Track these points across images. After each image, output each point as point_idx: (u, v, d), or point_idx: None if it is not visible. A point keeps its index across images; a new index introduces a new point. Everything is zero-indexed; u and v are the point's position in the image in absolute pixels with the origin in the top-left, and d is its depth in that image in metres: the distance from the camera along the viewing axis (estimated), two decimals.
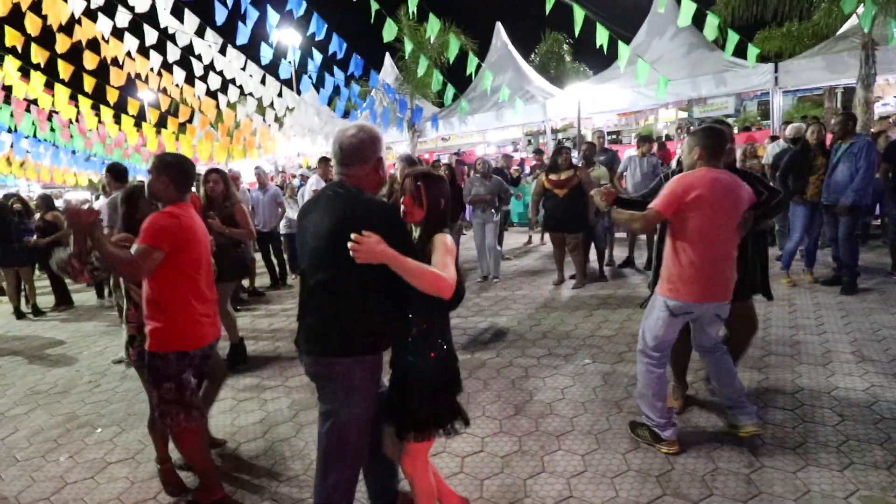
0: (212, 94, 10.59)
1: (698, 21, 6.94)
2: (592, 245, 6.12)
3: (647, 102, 10.70)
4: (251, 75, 9.87)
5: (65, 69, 8.79)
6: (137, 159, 14.31)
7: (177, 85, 9.83)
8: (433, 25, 8.30)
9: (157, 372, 2.29)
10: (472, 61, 9.27)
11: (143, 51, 8.85)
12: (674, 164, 7.61)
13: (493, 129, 14.14)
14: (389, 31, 8.34)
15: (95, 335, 5.68)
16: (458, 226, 6.52)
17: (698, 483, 2.35)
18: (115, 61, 9.01)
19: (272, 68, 9.91)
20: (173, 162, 2.40)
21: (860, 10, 6.98)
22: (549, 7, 6.71)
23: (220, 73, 9.65)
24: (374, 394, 1.80)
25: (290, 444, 2.99)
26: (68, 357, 5.01)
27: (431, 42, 11.51)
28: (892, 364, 3.36)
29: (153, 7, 7.75)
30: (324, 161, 6.89)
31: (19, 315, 6.82)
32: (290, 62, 9.79)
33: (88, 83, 9.48)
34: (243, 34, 8.38)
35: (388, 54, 15.43)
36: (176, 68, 9.56)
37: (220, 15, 8.06)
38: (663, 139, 10.59)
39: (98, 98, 10.30)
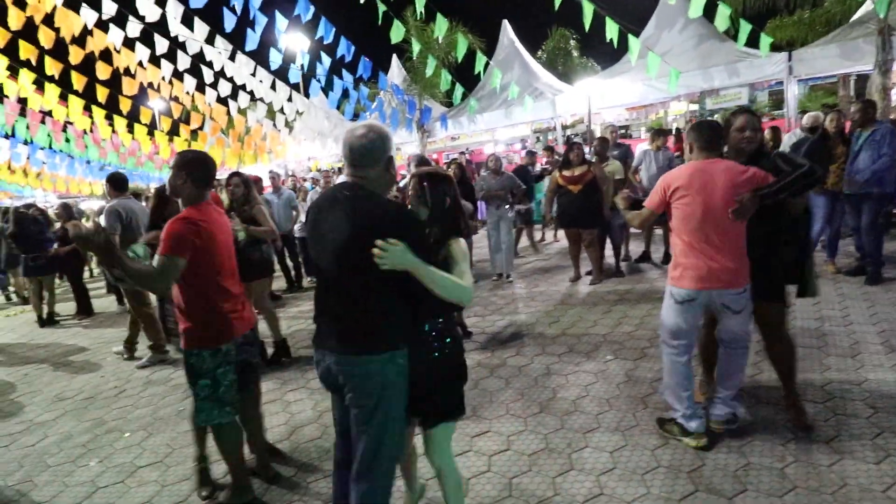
0: (222, 101, 10.71)
1: (709, 12, 6.87)
2: (608, 241, 6.09)
3: (658, 95, 10.61)
4: (261, 81, 9.95)
5: (78, 80, 8.94)
6: (150, 167, 14.49)
7: (188, 93, 9.94)
8: (441, 25, 8.30)
9: (192, 369, 2.33)
10: (481, 60, 9.25)
11: (155, 60, 8.96)
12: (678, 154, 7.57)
13: (502, 128, 14.11)
14: (397, 33, 8.35)
15: (117, 341, 5.73)
16: (473, 226, 6.51)
17: (731, 478, 2.32)
18: (126, 71, 9.14)
19: (281, 73, 10.00)
20: (193, 159, 2.39)
21: None
22: (557, 3, 6.68)
23: (231, 80, 9.74)
24: (406, 389, 1.81)
25: (317, 445, 3.00)
26: (92, 364, 5.08)
27: (439, 42, 11.51)
28: None
29: (163, 16, 7.83)
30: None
31: (43, 323, 6.94)
32: (299, 67, 9.82)
33: (101, 93, 9.62)
34: (252, 40, 8.45)
35: (395, 56, 15.46)
36: (187, 76, 9.67)
37: (230, 22, 8.13)
38: (680, 130, 10.46)
39: (111, 108, 10.45)
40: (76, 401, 4.15)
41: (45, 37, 7.72)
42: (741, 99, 10.04)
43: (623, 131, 13.14)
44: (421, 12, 7.82)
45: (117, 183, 4.88)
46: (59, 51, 8.18)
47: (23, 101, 10.20)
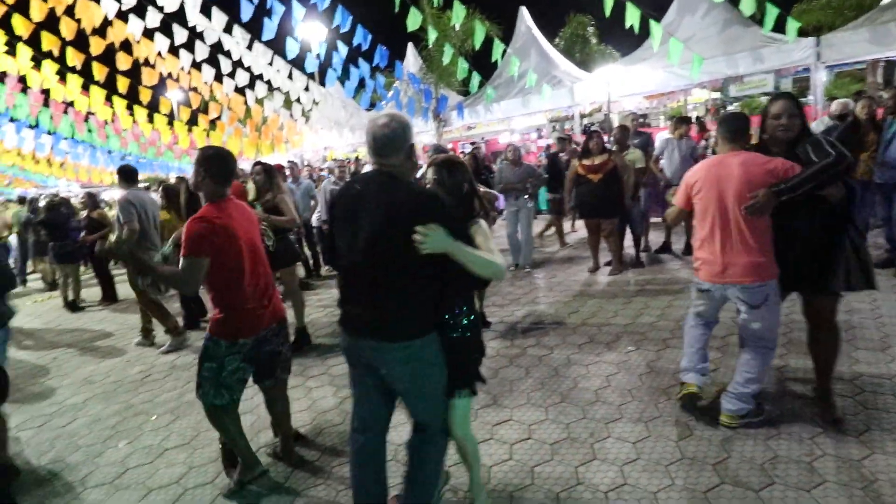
0: (240, 91, 10.76)
1: None
2: (627, 231, 6.00)
3: (679, 83, 10.38)
4: (278, 70, 9.97)
5: (99, 71, 9.05)
6: (170, 157, 14.68)
7: (206, 83, 10.01)
8: (458, 12, 8.21)
9: (206, 351, 2.41)
10: (498, 48, 9.13)
11: (173, 50, 9.03)
12: (702, 143, 7.41)
13: (518, 116, 13.97)
14: (414, 20, 8.29)
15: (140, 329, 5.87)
16: (493, 217, 6.47)
17: (757, 471, 2.29)
18: (146, 61, 9.23)
19: (298, 62, 10.00)
20: (210, 155, 2.42)
21: None
22: None
23: (248, 69, 9.78)
24: (444, 362, 1.89)
25: (339, 431, 3.04)
26: (117, 349, 5.20)
27: (456, 29, 11.39)
28: None
29: (182, 7, 7.87)
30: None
31: (72, 308, 7.14)
32: (316, 56, 9.81)
33: (122, 84, 9.74)
34: (269, 29, 8.46)
35: (410, 44, 15.36)
36: (205, 66, 9.74)
37: (247, 11, 8.14)
38: (701, 119, 10.23)
39: (132, 98, 10.58)
40: (104, 384, 4.26)
41: (67, 28, 7.82)
42: (766, 86, 9.80)
43: (641, 120, 12.92)
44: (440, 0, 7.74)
45: (127, 174, 4.94)
46: (81, 42, 8.29)
47: (46, 92, 10.38)
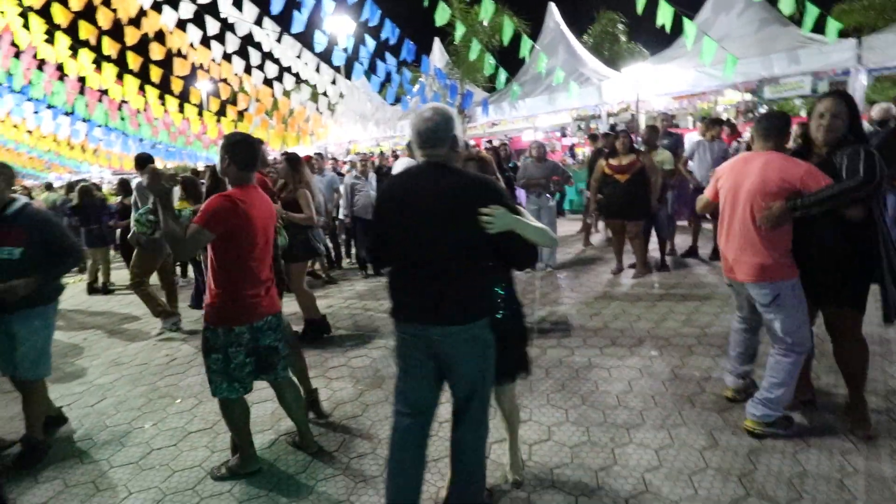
0: (268, 83, 10.90)
1: None
2: (653, 233, 5.89)
3: (711, 83, 10.09)
4: (306, 63, 10.06)
5: (134, 61, 9.27)
6: (198, 146, 14.96)
7: (236, 74, 10.17)
8: (487, 8, 8.15)
9: (206, 343, 2.44)
10: (526, 44, 9.04)
11: (205, 41, 9.18)
12: (733, 145, 7.20)
13: (543, 114, 13.80)
14: (442, 15, 8.26)
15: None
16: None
17: (785, 485, 2.23)
18: (178, 52, 9.41)
19: (325, 56, 10.07)
20: (235, 141, 2.43)
21: None
22: None
23: (277, 61, 9.89)
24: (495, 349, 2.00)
25: (358, 422, 3.06)
26: (144, 332, 5.33)
27: (484, 25, 11.32)
28: None
29: None
30: (410, 146, 7.28)
31: (104, 290, 7.40)
32: (343, 49, 9.86)
33: (155, 73, 9.96)
34: (299, 22, 8.53)
35: (436, 39, 15.33)
36: (235, 58, 9.88)
37: (277, 4, 8.22)
38: (733, 122, 9.96)
39: (164, 88, 10.81)
40: (131, 366, 4.37)
41: (104, 17, 8.02)
42: (803, 88, 9.46)
43: (671, 120, 12.65)
44: None
45: (143, 162, 5.27)
46: (116, 32, 8.50)
47: (81, 80, 10.68)
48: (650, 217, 5.63)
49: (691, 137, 6.80)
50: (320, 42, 9.42)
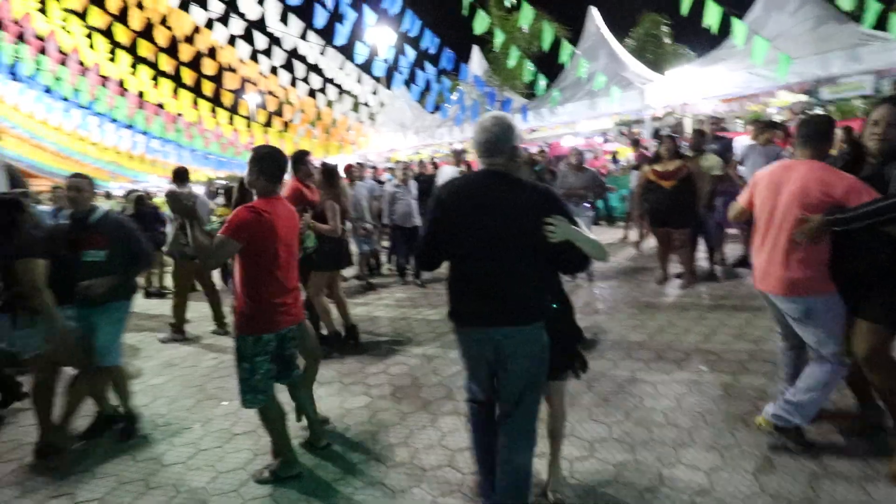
0: (312, 94, 11.24)
1: None
2: (700, 241, 5.66)
3: (763, 84, 9.66)
4: (348, 74, 10.33)
5: (188, 76, 9.78)
6: (247, 156, 15.57)
7: (282, 86, 10.56)
8: (526, 14, 8.11)
9: (237, 351, 2.51)
10: (566, 49, 8.94)
11: (253, 56, 9.59)
12: (787, 149, 6.82)
13: (584, 120, 13.57)
14: (481, 23, 8.29)
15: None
16: None
17: None
18: (229, 67, 9.87)
19: (366, 66, 10.30)
20: (264, 154, 2.51)
21: None
22: None
23: (320, 73, 10.20)
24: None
25: (396, 432, 3.06)
26: (194, 335, 5.56)
27: (523, 31, 11.27)
28: None
29: (262, 15, 8.34)
30: (456, 154, 8.32)
31: (159, 294, 7.82)
32: (383, 60, 10.07)
33: (207, 88, 10.47)
34: (341, 34, 8.77)
35: (475, 47, 15.39)
36: (281, 70, 10.26)
37: (321, 17, 8.48)
38: (786, 124, 9.47)
39: (215, 101, 11.35)
40: (182, 367, 4.55)
41: (162, 36, 8.51)
42: (864, 89, 8.88)
43: (715, 125, 12.14)
44: (513, 1, 7.69)
45: (178, 175, 5.58)
46: (172, 49, 9.01)
47: (141, 95, 11.37)
48: (697, 224, 5.41)
49: (741, 141, 6.48)
50: (361, 53, 9.65)
